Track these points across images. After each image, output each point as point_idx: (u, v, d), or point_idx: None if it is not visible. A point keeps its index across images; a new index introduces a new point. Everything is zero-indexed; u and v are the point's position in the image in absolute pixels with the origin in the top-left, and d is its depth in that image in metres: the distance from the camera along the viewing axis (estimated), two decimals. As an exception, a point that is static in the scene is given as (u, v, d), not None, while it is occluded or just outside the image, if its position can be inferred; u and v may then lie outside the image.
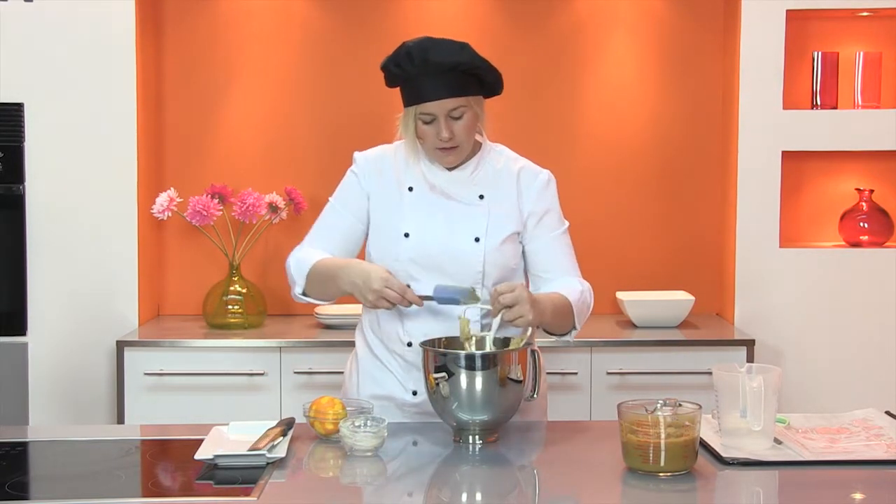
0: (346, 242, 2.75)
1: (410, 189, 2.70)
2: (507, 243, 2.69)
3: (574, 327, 2.67)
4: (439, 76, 2.56)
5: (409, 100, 2.62)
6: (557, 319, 2.61)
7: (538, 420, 2.74)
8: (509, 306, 2.48)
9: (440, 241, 2.66)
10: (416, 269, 2.66)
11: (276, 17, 4.28)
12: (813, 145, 4.06)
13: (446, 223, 2.67)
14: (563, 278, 2.70)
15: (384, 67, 2.64)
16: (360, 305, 2.85)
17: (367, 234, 2.76)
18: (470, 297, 2.55)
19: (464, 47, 2.59)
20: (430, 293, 2.58)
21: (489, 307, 2.54)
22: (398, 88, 2.67)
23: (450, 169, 2.70)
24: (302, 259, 2.73)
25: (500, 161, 2.74)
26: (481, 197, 2.69)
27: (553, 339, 2.71)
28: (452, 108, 2.58)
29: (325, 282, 2.67)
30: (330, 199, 2.80)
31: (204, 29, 4.27)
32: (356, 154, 2.80)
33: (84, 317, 3.97)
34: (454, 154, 2.66)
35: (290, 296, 4.22)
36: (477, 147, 2.73)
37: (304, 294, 2.75)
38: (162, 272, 4.31)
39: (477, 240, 2.66)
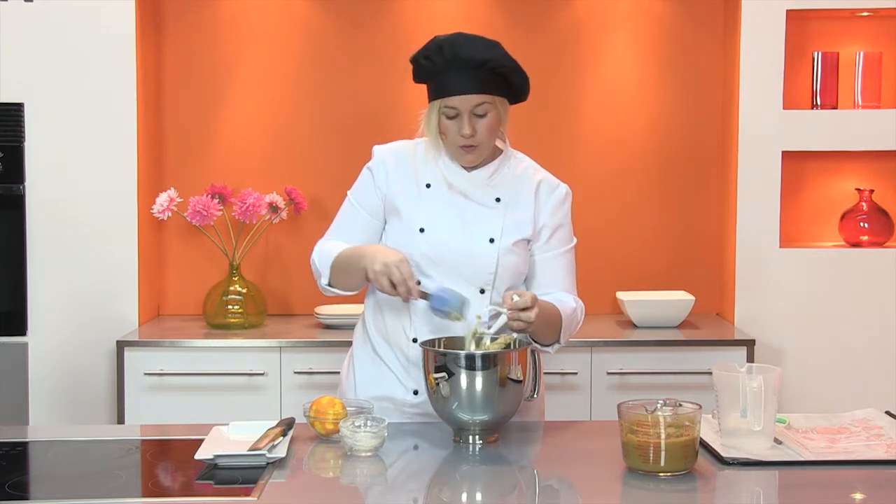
0: (364, 238, 2.74)
1: (428, 185, 2.70)
2: (520, 248, 2.70)
3: (558, 341, 2.67)
4: (467, 71, 2.57)
5: (435, 93, 2.62)
6: (545, 330, 2.61)
7: (537, 420, 2.74)
8: (523, 321, 2.48)
9: (455, 239, 2.66)
10: (428, 264, 2.65)
11: (276, 17, 4.28)
12: (813, 145, 4.06)
13: (462, 222, 2.67)
14: (558, 294, 2.70)
15: (414, 60, 2.64)
16: (361, 305, 2.86)
17: (383, 230, 2.76)
18: (461, 307, 2.54)
19: (494, 46, 2.60)
20: (435, 291, 2.57)
21: (480, 328, 2.53)
22: (418, 85, 2.68)
23: (469, 169, 2.70)
24: (325, 251, 2.73)
25: (519, 168, 2.75)
26: (498, 200, 2.70)
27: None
28: (477, 104, 2.59)
29: (349, 264, 2.64)
30: (348, 192, 2.80)
31: (204, 29, 4.27)
32: (375, 148, 2.79)
33: (84, 317, 3.97)
34: (474, 153, 2.66)
35: (290, 296, 4.29)
36: (498, 152, 2.73)
37: (330, 285, 2.73)
38: (162, 272, 4.31)
39: (492, 241, 2.67)
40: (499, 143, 2.74)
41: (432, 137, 2.67)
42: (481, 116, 2.61)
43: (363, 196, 2.76)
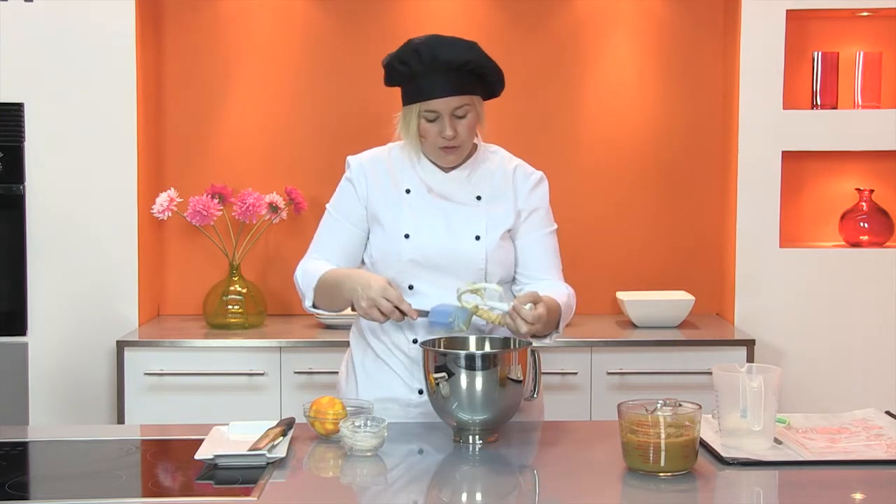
0: (347, 250, 2.75)
1: (408, 191, 2.70)
2: (506, 240, 2.71)
3: (556, 330, 2.67)
4: (446, 74, 2.56)
5: (413, 97, 2.61)
6: (548, 327, 2.59)
7: (538, 420, 2.74)
8: (517, 327, 2.48)
9: (441, 242, 2.66)
10: (417, 269, 2.66)
11: (276, 17, 4.28)
12: (813, 145, 4.06)
13: (446, 224, 2.68)
14: (547, 280, 2.69)
15: (387, 65, 2.64)
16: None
17: (366, 239, 2.76)
18: (464, 321, 2.53)
19: (472, 46, 2.60)
20: (429, 305, 2.57)
21: (468, 328, 2.52)
22: (396, 88, 2.67)
23: (447, 170, 2.70)
24: (309, 272, 2.73)
25: (494, 161, 2.75)
26: (478, 198, 2.70)
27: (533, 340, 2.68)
28: (457, 106, 2.59)
29: (331, 293, 2.67)
30: (327, 206, 2.80)
31: (204, 29, 4.27)
32: (349, 159, 2.79)
33: (84, 317, 3.96)
34: (455, 153, 2.66)
35: (290, 296, 4.29)
36: (473, 148, 2.73)
37: (314, 307, 2.75)
38: (162, 272, 4.31)
39: (477, 238, 2.67)
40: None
41: (412, 141, 2.67)
42: (461, 117, 2.61)
43: (345, 207, 2.75)
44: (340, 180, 2.79)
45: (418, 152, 2.69)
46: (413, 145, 2.68)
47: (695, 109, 4.31)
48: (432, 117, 2.60)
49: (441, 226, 2.68)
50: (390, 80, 2.66)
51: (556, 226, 2.80)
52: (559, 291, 2.67)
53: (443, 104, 2.58)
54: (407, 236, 2.67)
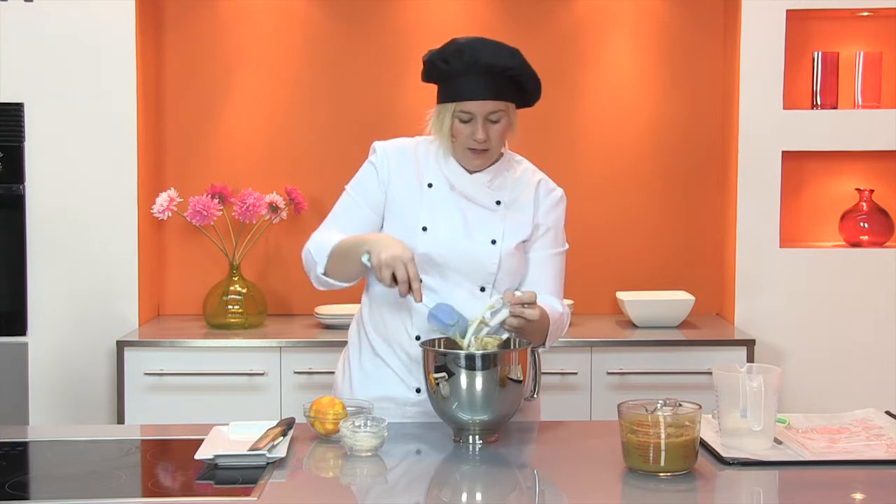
0: (361, 231, 2.71)
1: (430, 185, 2.70)
2: (520, 250, 2.71)
3: (542, 345, 2.66)
4: (485, 77, 2.56)
5: (449, 96, 2.60)
6: (533, 334, 2.59)
7: (535, 420, 2.74)
8: (526, 317, 2.48)
9: (457, 240, 2.66)
10: (429, 264, 2.64)
11: (276, 17, 4.28)
12: (813, 145, 4.06)
13: (464, 223, 2.67)
14: (546, 297, 2.69)
15: (428, 60, 2.63)
16: (359, 305, 2.85)
17: (381, 226, 2.74)
18: (462, 332, 2.51)
19: (515, 53, 2.60)
20: (434, 302, 2.54)
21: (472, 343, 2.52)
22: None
23: (471, 172, 2.70)
24: (322, 241, 2.67)
25: (518, 170, 2.76)
26: (498, 203, 2.70)
27: None
28: (492, 110, 2.59)
29: (351, 250, 2.58)
30: (346, 187, 2.77)
31: (204, 29, 4.27)
32: (376, 144, 2.77)
33: (84, 317, 3.97)
34: (483, 157, 2.66)
35: (290, 296, 4.29)
36: (499, 155, 2.73)
37: (324, 275, 2.66)
38: (162, 272, 4.31)
39: (493, 242, 2.67)
40: None
41: (443, 139, 2.66)
42: (495, 122, 2.61)
43: (365, 190, 2.73)
44: (364, 163, 2.76)
45: (447, 150, 2.69)
46: (444, 143, 2.67)
47: (695, 109, 4.32)
48: (466, 118, 2.60)
49: (459, 224, 2.67)
50: (428, 77, 2.66)
51: (567, 246, 2.79)
52: (552, 308, 2.67)
53: (478, 107, 2.58)
54: (425, 229, 2.66)
